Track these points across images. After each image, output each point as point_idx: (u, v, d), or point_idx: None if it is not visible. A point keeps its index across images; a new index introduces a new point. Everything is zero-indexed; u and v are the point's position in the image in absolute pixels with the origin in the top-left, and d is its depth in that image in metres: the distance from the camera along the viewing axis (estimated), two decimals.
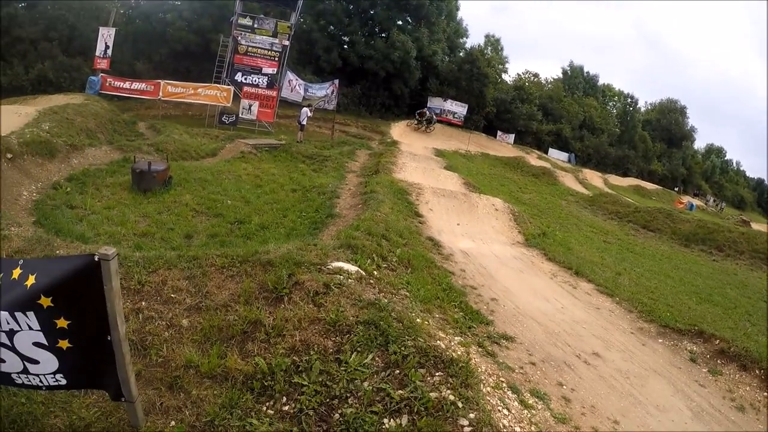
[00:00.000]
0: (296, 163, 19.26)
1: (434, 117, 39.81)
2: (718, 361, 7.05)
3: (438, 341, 4.69)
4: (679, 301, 10.20)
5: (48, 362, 3.06)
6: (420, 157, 23.02)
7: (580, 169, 43.77)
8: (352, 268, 6.02)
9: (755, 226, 36.70)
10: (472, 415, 3.74)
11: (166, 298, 5.08)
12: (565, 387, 5.54)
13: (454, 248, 10.48)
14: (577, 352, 6.56)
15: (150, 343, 4.50)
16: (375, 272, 6.49)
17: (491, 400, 4.26)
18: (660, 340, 7.64)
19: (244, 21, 29.48)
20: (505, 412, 4.27)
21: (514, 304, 7.87)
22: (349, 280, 5.52)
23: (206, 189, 13.35)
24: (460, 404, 3.80)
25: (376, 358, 4.26)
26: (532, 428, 4.31)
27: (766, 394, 6.35)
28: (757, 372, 6.69)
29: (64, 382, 3.17)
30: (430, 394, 3.85)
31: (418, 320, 5.01)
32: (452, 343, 4.92)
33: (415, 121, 39.70)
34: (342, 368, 4.18)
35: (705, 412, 5.74)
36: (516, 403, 4.60)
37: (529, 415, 4.51)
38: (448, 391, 3.91)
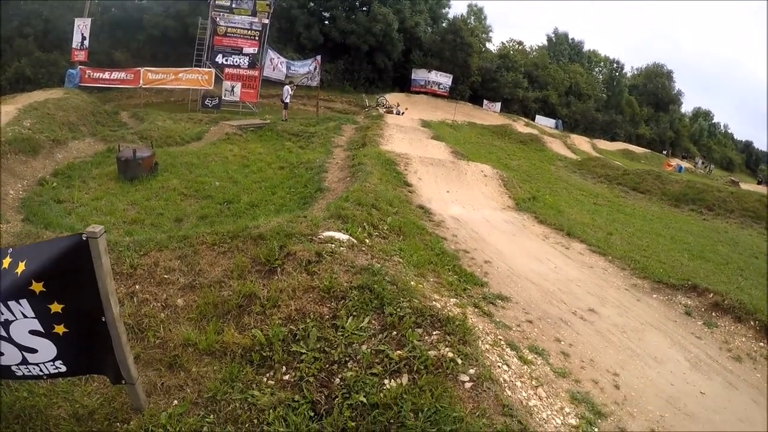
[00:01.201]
0: (282, 141, 19.18)
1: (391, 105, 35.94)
2: (713, 314, 7.12)
3: (434, 302, 4.67)
4: (672, 257, 10.27)
5: (46, 349, 3.04)
6: (406, 128, 22.90)
7: (568, 135, 43.66)
8: (344, 236, 5.97)
9: (744, 186, 37.04)
10: (472, 371, 3.74)
11: (159, 280, 5.04)
12: (563, 342, 5.57)
13: (444, 215, 10.47)
14: (572, 309, 6.60)
15: (147, 326, 4.47)
16: (367, 240, 6.46)
17: (490, 357, 4.27)
18: (654, 296, 7.72)
19: (221, 1, 28.99)
20: (505, 367, 4.28)
21: (507, 265, 7.87)
22: (341, 248, 5.48)
23: (193, 172, 13.31)
24: (459, 360, 3.79)
25: (373, 321, 4.23)
26: (533, 382, 4.33)
27: (762, 344, 6.42)
28: (752, 323, 6.76)
29: (64, 368, 3.15)
30: (429, 352, 3.83)
31: (412, 283, 4.98)
32: (448, 305, 4.91)
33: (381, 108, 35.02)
34: (339, 333, 4.16)
35: (703, 362, 5.80)
36: (515, 359, 4.61)
37: (529, 370, 4.52)
38: (447, 349, 3.89)
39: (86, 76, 25.84)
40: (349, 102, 36.88)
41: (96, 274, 2.89)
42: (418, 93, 41.57)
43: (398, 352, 3.86)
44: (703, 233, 15.56)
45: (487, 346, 4.49)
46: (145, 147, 13.81)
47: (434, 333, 4.11)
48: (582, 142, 41.90)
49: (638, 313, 6.90)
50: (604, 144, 48.16)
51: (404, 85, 43.59)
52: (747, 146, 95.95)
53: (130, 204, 10.54)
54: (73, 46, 27.02)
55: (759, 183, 58.01)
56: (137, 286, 4.91)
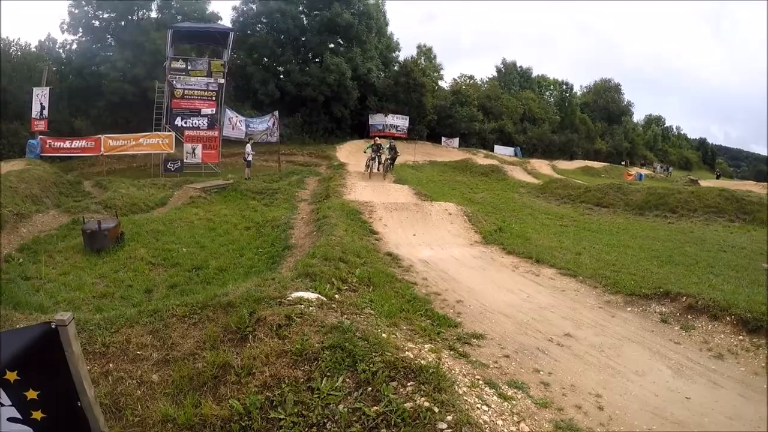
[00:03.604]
0: (247, 201, 19.18)
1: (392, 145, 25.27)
2: (689, 317, 7.22)
3: (407, 352, 4.67)
4: (641, 268, 10.42)
5: None
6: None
7: (528, 161, 44.65)
8: (312, 295, 5.96)
9: (703, 183, 38.17)
10: (449, 417, 3.72)
11: (132, 357, 4.96)
12: (542, 372, 5.57)
13: (413, 259, 10.52)
14: (548, 336, 6.63)
15: (124, 404, 4.38)
16: (336, 296, 6.46)
17: (468, 400, 4.25)
18: (629, 309, 7.82)
19: (177, 64, 29.38)
20: (485, 408, 4.26)
21: (479, 302, 7.90)
22: (311, 308, 5.47)
23: (160, 240, 13.20)
24: (436, 409, 3.78)
25: (347, 380, 4.21)
26: (514, 418, 4.31)
27: (741, 337, 6.52)
28: (728, 319, 6.86)
29: None
30: (405, 404, 3.82)
31: (383, 335, 4.98)
32: (422, 352, 4.91)
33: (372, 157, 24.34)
34: (315, 395, 4.12)
35: (684, 367, 5.86)
36: (495, 398, 4.60)
37: (509, 407, 4.51)
38: (422, 399, 3.88)
39: (47, 146, 25.76)
40: (310, 154, 37.11)
41: (68, 361, 2.88)
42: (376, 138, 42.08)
43: (375, 408, 3.84)
44: (670, 237, 15.89)
45: (465, 388, 4.48)
46: (109, 217, 13.72)
47: (408, 384, 4.10)
48: (542, 166, 42.84)
49: (614, 330, 6.96)
50: (563, 164, 49.31)
51: (363, 131, 44.25)
52: (701, 143, 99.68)
53: (99, 277, 10.35)
54: (33, 115, 27.01)
55: (718, 177, 60.18)
56: (111, 365, 4.82)
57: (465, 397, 4.25)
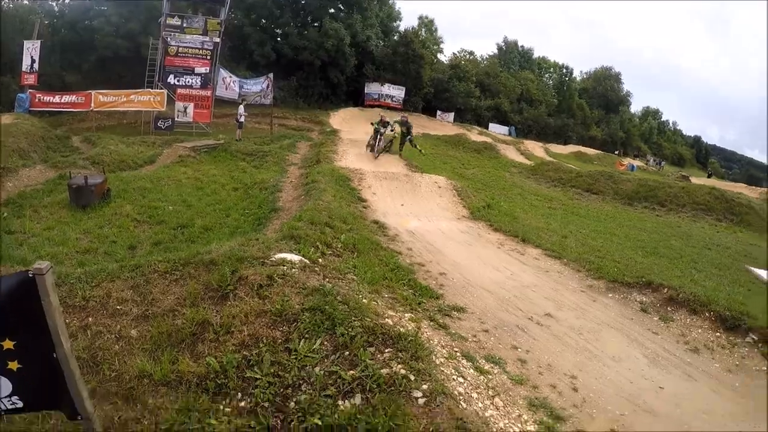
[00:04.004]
0: (236, 162, 19.03)
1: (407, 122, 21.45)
2: (669, 309, 7.29)
3: (386, 319, 4.65)
4: (626, 256, 10.47)
5: (2, 386, 2.98)
6: (360, 143, 22.90)
7: (522, 141, 44.54)
8: (296, 257, 5.90)
9: (695, 180, 38.47)
10: (425, 386, 3.72)
11: (112, 311, 4.90)
12: (519, 350, 5.61)
13: (399, 229, 10.50)
14: (529, 315, 6.66)
15: (101, 359, 4.34)
16: (320, 259, 6.42)
17: (445, 370, 4.26)
18: (610, 295, 7.87)
19: (172, 21, 28.73)
20: (461, 380, 4.28)
21: (463, 276, 7.91)
22: (293, 270, 5.41)
23: (146, 197, 13.09)
24: (412, 377, 3.77)
25: (325, 343, 4.18)
26: (489, 392, 4.34)
27: (718, 334, 6.58)
28: (707, 314, 6.94)
29: (20, 404, 3.07)
30: (381, 371, 3.80)
31: (364, 301, 4.95)
32: (402, 320, 4.90)
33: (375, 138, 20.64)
34: (292, 357, 4.10)
35: (660, 357, 5.92)
36: (471, 371, 4.62)
37: (485, 380, 4.54)
38: (399, 366, 3.87)
39: (36, 100, 25.26)
40: (303, 119, 36.71)
41: (45, 311, 2.83)
42: (372, 107, 41.84)
43: (351, 372, 3.82)
44: (657, 229, 15.97)
45: (442, 359, 4.50)
46: (96, 173, 13.57)
47: (386, 351, 4.08)
48: (535, 148, 42.75)
49: (595, 314, 7.01)
50: (557, 148, 49.22)
51: (358, 99, 43.86)
52: (696, 141, 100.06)
53: (83, 233, 10.27)
54: (23, 69, 26.44)
55: (709, 176, 60.70)
56: (90, 319, 4.77)
57: (442, 368, 4.27)
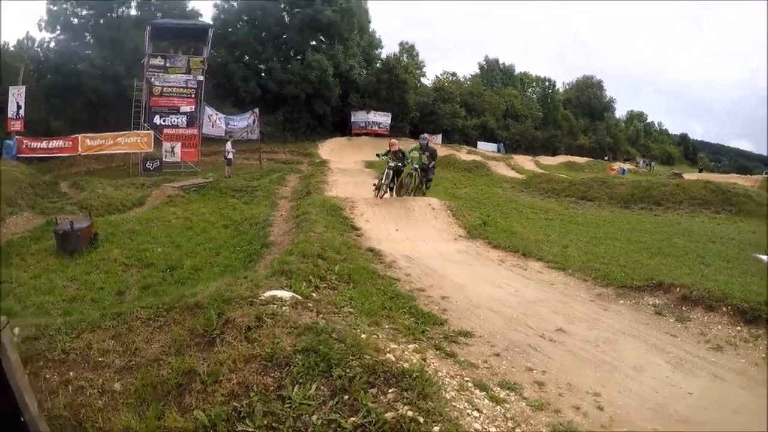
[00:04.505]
0: (226, 199, 18.97)
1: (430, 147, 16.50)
2: (684, 308, 7.01)
3: (388, 354, 4.28)
4: (631, 259, 10.23)
5: None
6: (350, 171, 22.97)
7: (511, 157, 44.91)
8: (287, 294, 5.55)
9: (687, 176, 38.69)
10: (436, 428, 3.33)
11: (94, 364, 4.59)
12: (535, 371, 5.23)
13: (396, 255, 10.17)
14: (540, 332, 6.30)
15: (84, 416, 4.04)
16: (313, 294, 6.07)
17: (457, 405, 3.88)
18: (621, 302, 7.58)
19: (155, 61, 29.09)
20: (476, 414, 3.88)
21: (466, 298, 7.56)
22: (284, 308, 5.06)
23: (135, 240, 12.92)
24: (420, 419, 3.38)
25: (321, 387, 3.80)
26: (509, 423, 3.94)
27: (738, 328, 6.31)
28: (724, 309, 6.65)
29: None
30: (386, 414, 3.41)
31: (363, 336, 4.58)
32: (406, 353, 4.53)
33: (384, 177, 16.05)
34: (286, 405, 3.72)
35: (683, 360, 5.61)
36: (486, 401, 4.23)
37: (502, 411, 4.14)
38: (405, 408, 3.48)
39: (24, 147, 25.20)
40: (292, 152, 36.87)
41: (5, 371, 2.53)
42: (359, 135, 42.02)
43: (352, 419, 3.43)
44: (657, 229, 15.89)
45: (453, 392, 4.11)
46: (83, 218, 13.54)
47: (390, 391, 3.70)
48: (525, 162, 43.11)
49: (608, 324, 6.68)
50: (546, 160, 49.72)
51: (345, 128, 44.04)
52: (683, 138, 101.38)
53: (70, 280, 10.07)
54: (9, 115, 26.44)
55: (700, 171, 61.27)
56: (71, 373, 4.46)
57: (453, 403, 3.88)
